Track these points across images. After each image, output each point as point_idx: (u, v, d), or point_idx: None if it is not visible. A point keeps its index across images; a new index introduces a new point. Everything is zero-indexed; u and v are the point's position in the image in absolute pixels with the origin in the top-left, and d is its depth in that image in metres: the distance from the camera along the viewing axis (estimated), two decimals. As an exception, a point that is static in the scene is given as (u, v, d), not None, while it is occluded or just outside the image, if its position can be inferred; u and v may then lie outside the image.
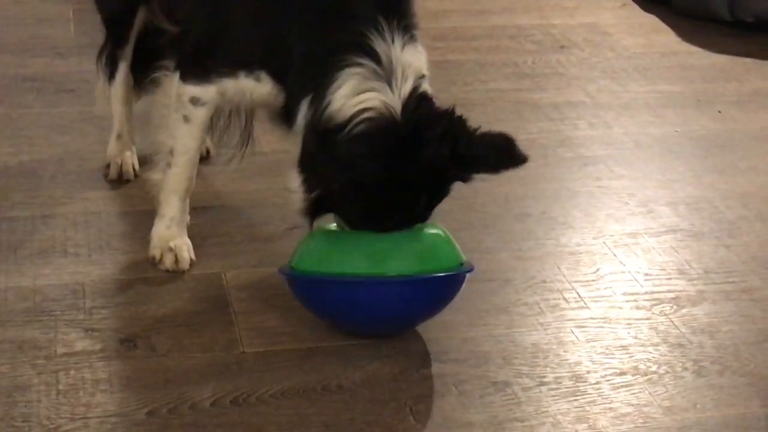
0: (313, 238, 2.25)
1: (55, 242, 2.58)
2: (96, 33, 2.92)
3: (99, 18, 2.85)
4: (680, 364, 2.28)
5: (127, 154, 2.85)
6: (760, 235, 2.79)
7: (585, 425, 2.09)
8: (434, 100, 2.16)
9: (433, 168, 2.09)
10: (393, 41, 2.10)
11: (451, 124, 2.09)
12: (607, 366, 2.26)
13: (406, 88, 2.10)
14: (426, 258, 2.16)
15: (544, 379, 2.21)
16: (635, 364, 2.27)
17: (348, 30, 2.11)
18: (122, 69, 2.81)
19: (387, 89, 2.09)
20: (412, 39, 2.15)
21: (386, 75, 2.09)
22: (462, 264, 2.22)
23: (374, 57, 2.10)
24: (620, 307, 2.46)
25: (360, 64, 2.09)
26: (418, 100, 2.11)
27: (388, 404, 2.11)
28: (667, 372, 2.25)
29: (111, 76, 2.83)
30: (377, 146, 2.07)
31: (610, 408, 2.14)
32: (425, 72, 2.16)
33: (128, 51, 2.79)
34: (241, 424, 2.04)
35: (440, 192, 2.17)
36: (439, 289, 2.20)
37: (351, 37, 2.11)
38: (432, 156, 2.06)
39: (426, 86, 2.15)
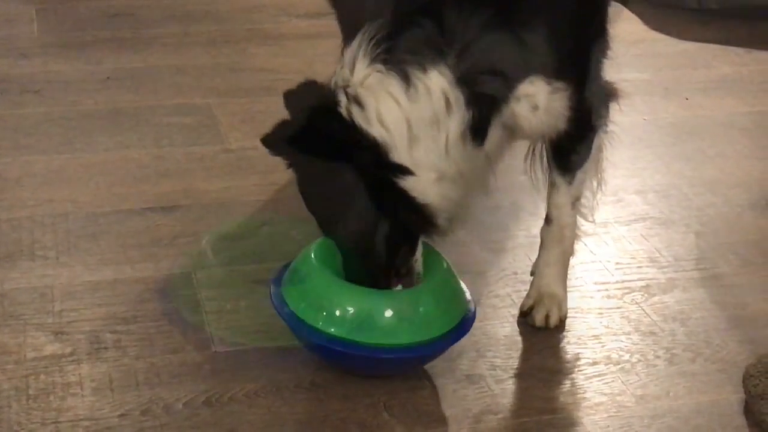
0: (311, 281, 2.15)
1: (23, 245, 2.55)
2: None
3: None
4: (652, 353, 2.29)
5: None
6: (729, 221, 2.80)
7: (559, 416, 2.09)
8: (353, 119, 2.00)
9: None
10: (355, 60, 2.03)
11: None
12: (579, 356, 2.27)
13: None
14: (428, 326, 2.10)
15: (518, 371, 2.21)
16: (607, 354, 2.28)
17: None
18: None
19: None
20: (381, 69, 2.01)
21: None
22: (466, 314, 2.18)
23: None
24: (591, 297, 2.47)
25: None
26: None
27: (362, 400, 2.10)
28: (640, 360, 2.26)
29: None
30: None
31: (583, 398, 2.15)
32: (369, 100, 1.99)
33: None
34: (214, 425, 2.02)
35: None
36: (440, 349, 2.16)
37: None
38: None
39: (353, 109, 1.99)
